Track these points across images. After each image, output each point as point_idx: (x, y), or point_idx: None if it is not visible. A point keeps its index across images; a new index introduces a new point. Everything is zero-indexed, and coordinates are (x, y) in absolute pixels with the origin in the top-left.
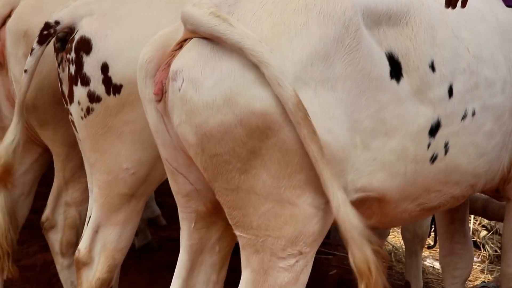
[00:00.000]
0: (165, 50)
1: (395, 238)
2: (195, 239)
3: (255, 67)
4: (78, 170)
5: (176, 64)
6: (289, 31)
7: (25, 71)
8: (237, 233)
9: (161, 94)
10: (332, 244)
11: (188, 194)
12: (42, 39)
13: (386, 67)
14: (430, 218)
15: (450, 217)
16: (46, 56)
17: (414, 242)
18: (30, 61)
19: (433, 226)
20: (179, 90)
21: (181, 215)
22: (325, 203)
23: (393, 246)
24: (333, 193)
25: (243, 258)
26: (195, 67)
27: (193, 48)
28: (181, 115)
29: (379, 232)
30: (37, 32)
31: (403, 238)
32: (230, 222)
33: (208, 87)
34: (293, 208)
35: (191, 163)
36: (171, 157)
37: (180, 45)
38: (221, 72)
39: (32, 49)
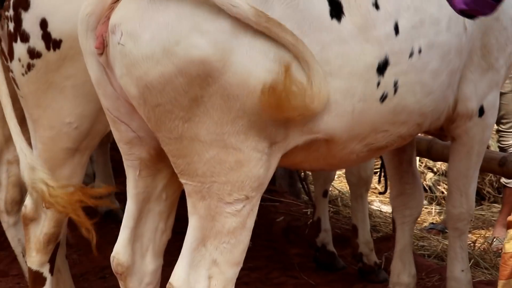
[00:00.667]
0: (105, 3)
1: (342, 183)
2: (141, 187)
3: (191, 15)
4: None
5: (114, 17)
6: None
7: None
8: (182, 181)
9: (102, 48)
10: (278, 191)
11: (131, 141)
12: None
13: (325, 7)
14: (373, 161)
15: (398, 159)
16: None
17: (359, 186)
18: None
19: (382, 171)
20: (118, 43)
21: (125, 163)
22: (269, 147)
23: (339, 191)
24: (315, 67)
25: (189, 206)
26: (133, 20)
27: (131, 0)
28: (122, 68)
29: (325, 176)
30: None
31: (348, 182)
32: (175, 170)
33: (146, 40)
34: (237, 153)
35: (133, 112)
36: (112, 107)
37: None
38: (158, 24)
39: None
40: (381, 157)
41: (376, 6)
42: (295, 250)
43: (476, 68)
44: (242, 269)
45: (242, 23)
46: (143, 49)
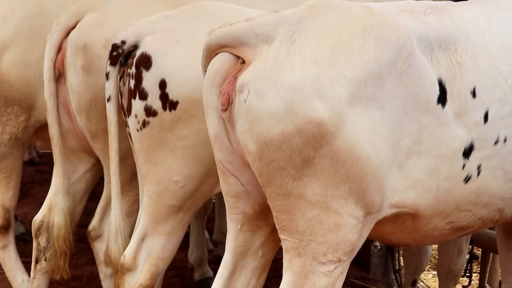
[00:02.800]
0: (232, 63)
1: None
2: (240, 241)
3: (313, 80)
4: (127, 183)
5: (243, 77)
6: (347, 51)
7: (108, 99)
8: (282, 236)
9: (227, 105)
10: (372, 280)
11: (238, 195)
12: (114, 61)
13: (435, 92)
14: (465, 256)
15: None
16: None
17: (448, 279)
18: (109, 85)
19: (468, 267)
20: (245, 101)
21: (229, 216)
22: (364, 216)
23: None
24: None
25: (285, 261)
26: (260, 79)
27: (258, 62)
28: (244, 124)
29: (416, 266)
30: (96, 46)
31: (438, 274)
32: (276, 225)
33: (271, 98)
34: (336, 216)
35: (245, 166)
36: (226, 160)
37: (243, 60)
38: (283, 84)
39: (107, 73)
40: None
41: (474, 94)
42: None
43: None
44: None
45: (358, 95)
46: (268, 106)
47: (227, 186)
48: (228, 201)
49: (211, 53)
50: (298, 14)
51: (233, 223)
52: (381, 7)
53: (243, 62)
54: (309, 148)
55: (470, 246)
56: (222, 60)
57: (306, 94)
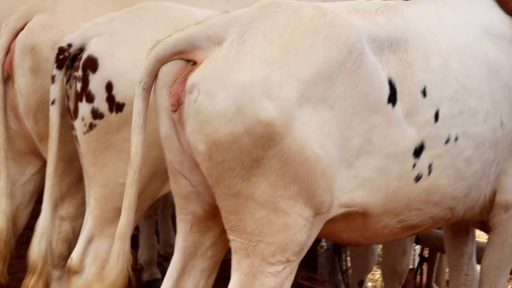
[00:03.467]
0: (182, 64)
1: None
2: (190, 242)
3: (263, 80)
4: (74, 186)
5: (192, 78)
6: (297, 52)
7: (52, 102)
8: (231, 237)
9: (177, 105)
10: (319, 280)
11: (188, 196)
12: (60, 64)
13: (386, 91)
14: (410, 257)
15: (460, 252)
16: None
17: (393, 279)
18: (54, 89)
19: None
20: (195, 101)
21: (178, 217)
22: (313, 217)
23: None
24: None
25: (234, 262)
26: (210, 80)
27: (207, 63)
28: (194, 124)
29: (363, 266)
30: (44, 48)
31: (383, 275)
32: (225, 226)
33: (221, 98)
34: (285, 217)
35: (195, 167)
36: (176, 161)
37: (194, 61)
38: (233, 84)
39: (53, 76)
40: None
41: (424, 93)
42: None
43: None
44: None
45: (307, 95)
46: (217, 107)
47: (178, 187)
48: (178, 202)
49: (162, 64)
50: (248, 15)
51: (183, 224)
52: (332, 7)
53: (194, 63)
54: (258, 149)
55: (420, 247)
56: (172, 62)
57: (255, 95)
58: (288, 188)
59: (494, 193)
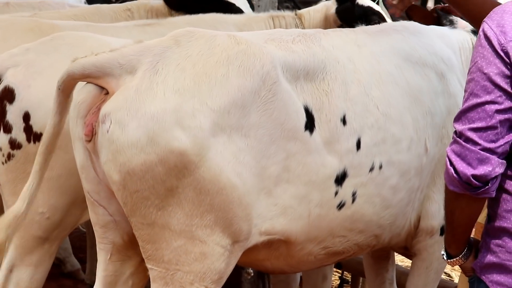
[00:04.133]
0: (96, 94)
1: None
2: (110, 271)
3: (175, 110)
4: None
5: (105, 108)
6: (210, 81)
7: None
8: (148, 266)
9: (91, 135)
10: None
11: (106, 225)
12: None
13: (302, 119)
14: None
15: (381, 278)
16: None
17: None
18: None
19: None
20: (107, 131)
21: (98, 246)
22: (231, 245)
23: None
24: None
25: None
26: (121, 110)
27: (120, 93)
28: (107, 154)
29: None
30: None
31: None
32: (143, 255)
33: (133, 128)
34: (203, 245)
35: (112, 196)
36: (93, 190)
37: (107, 91)
38: (145, 114)
39: None
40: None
41: (344, 122)
42: None
43: (439, 189)
44: None
45: (221, 124)
46: (129, 136)
47: (96, 216)
48: (97, 231)
49: (72, 80)
50: (162, 44)
51: (102, 253)
52: (248, 35)
53: (107, 93)
54: (172, 178)
55: (341, 271)
56: (86, 91)
57: (167, 124)
58: (205, 217)
59: (418, 219)
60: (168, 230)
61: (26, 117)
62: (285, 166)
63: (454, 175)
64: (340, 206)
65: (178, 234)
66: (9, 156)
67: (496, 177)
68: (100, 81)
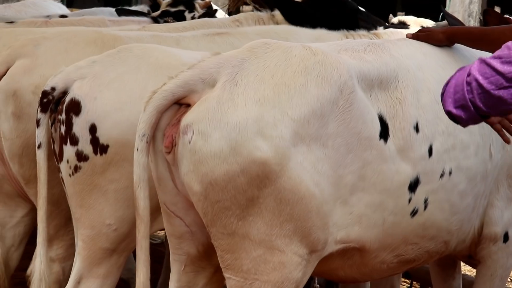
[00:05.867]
0: (175, 106)
1: None
2: (183, 282)
3: (256, 120)
4: (62, 228)
5: (186, 119)
6: (289, 91)
7: (39, 146)
8: (226, 275)
9: (171, 147)
10: None
11: (182, 236)
12: (44, 107)
13: (377, 128)
14: None
15: (449, 286)
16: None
17: None
18: (40, 132)
19: None
20: (189, 142)
21: (172, 257)
22: (308, 254)
23: None
24: None
25: None
26: (204, 120)
27: (201, 104)
28: (189, 165)
29: None
30: (26, 93)
31: None
32: (221, 264)
33: (215, 138)
34: (281, 255)
35: (189, 207)
36: (170, 202)
37: (187, 103)
38: (227, 124)
39: (38, 120)
40: None
41: (417, 129)
42: None
43: (503, 196)
44: None
45: (301, 134)
46: (212, 147)
47: (172, 227)
48: (172, 242)
49: (161, 113)
50: (240, 56)
51: (176, 264)
52: (322, 46)
53: (188, 105)
54: (254, 188)
55: (409, 281)
56: (166, 104)
57: (249, 134)
58: (284, 227)
59: (482, 226)
60: (248, 240)
61: (93, 129)
62: (361, 174)
63: None
64: (413, 213)
65: (258, 244)
66: (76, 168)
67: None
68: (186, 99)
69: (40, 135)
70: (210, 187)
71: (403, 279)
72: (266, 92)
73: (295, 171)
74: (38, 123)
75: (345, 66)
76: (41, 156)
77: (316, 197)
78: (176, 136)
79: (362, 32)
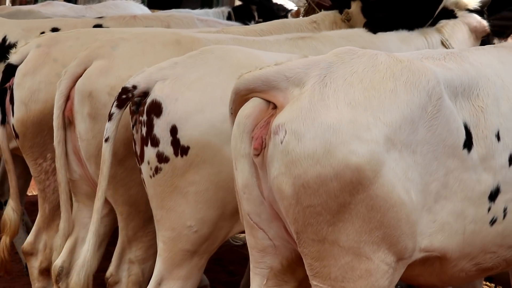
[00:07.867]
0: (262, 108)
1: None
2: None
3: (351, 122)
4: (140, 229)
5: (278, 119)
6: (379, 96)
7: (106, 139)
8: (314, 283)
9: (260, 149)
10: None
11: (265, 249)
12: (121, 103)
13: (462, 136)
14: None
15: None
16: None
17: None
18: (110, 126)
19: None
20: (281, 142)
21: (253, 270)
22: (395, 262)
23: None
24: None
25: None
26: (297, 120)
27: (293, 104)
28: (280, 167)
29: None
30: (102, 94)
31: None
32: (308, 272)
33: (309, 138)
34: (368, 262)
35: (273, 219)
36: (254, 212)
37: (274, 105)
38: (321, 124)
39: (111, 114)
40: None
41: (498, 137)
42: None
43: None
44: None
45: (393, 139)
46: (306, 147)
47: (254, 240)
48: (253, 255)
49: (239, 97)
50: (327, 60)
51: (257, 278)
52: (404, 55)
53: (275, 107)
54: (346, 194)
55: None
56: (252, 106)
57: (344, 136)
58: (373, 234)
59: None
60: (337, 247)
61: (174, 130)
62: (444, 182)
63: None
64: (493, 222)
65: (347, 251)
66: (157, 170)
67: None
68: (266, 95)
69: (110, 129)
70: (302, 190)
71: (485, 282)
72: (357, 96)
73: (387, 177)
74: (110, 117)
75: (432, 72)
76: (106, 149)
77: (407, 205)
78: (267, 137)
79: (430, 29)
